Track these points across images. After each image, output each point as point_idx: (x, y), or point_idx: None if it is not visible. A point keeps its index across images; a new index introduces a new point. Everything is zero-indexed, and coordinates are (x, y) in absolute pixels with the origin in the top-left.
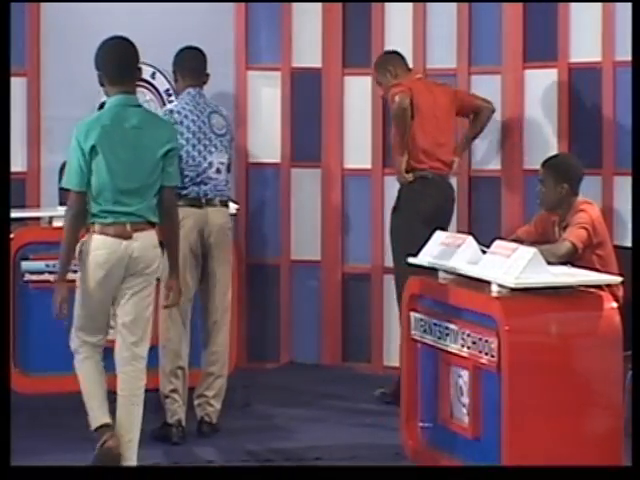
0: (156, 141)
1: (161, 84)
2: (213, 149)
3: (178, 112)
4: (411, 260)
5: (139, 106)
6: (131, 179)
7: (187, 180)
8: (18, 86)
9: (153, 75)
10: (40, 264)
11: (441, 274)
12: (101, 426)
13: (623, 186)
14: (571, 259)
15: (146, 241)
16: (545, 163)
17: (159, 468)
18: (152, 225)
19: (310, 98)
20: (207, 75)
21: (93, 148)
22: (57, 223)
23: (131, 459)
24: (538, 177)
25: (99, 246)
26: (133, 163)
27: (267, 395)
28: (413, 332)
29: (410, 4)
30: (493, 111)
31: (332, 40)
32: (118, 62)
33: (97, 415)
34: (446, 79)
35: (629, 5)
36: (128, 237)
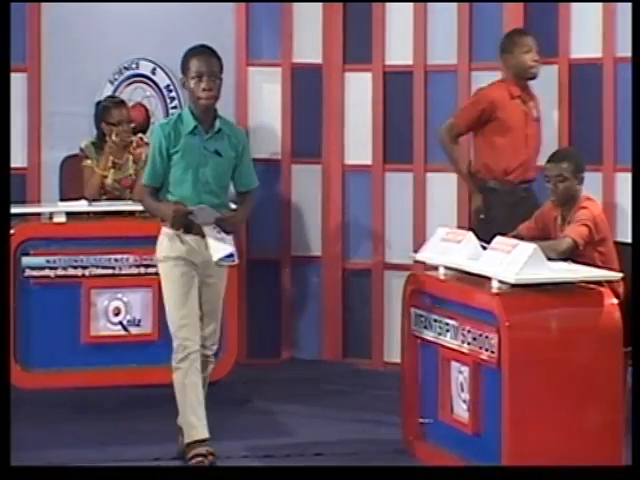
0: None
1: (162, 80)
2: None
3: None
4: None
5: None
6: None
7: None
8: (19, 81)
9: (153, 71)
10: (41, 260)
11: (441, 270)
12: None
13: (624, 182)
14: (572, 255)
15: None
16: (563, 157)
17: (159, 468)
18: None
19: (310, 94)
20: None
21: None
22: (57, 219)
23: None
24: (547, 173)
25: None
26: None
27: (268, 391)
28: (414, 328)
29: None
30: None
31: (333, 36)
32: None
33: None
34: (447, 75)
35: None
36: None
